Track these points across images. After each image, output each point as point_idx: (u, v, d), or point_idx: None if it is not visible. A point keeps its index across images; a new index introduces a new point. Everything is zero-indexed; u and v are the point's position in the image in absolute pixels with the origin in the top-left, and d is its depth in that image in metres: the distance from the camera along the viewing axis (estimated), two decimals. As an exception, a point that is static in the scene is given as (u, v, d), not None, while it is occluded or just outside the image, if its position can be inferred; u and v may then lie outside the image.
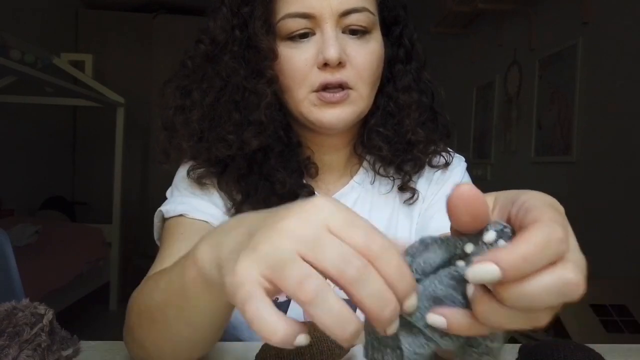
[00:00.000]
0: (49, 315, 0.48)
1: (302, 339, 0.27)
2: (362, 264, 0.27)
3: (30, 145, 3.68)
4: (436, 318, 0.29)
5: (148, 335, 0.48)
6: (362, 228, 0.29)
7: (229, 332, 0.72)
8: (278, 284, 0.27)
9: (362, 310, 0.27)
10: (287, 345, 0.27)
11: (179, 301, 0.42)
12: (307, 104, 0.64)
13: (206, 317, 0.43)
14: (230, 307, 0.42)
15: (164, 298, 0.45)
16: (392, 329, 0.28)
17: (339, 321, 0.26)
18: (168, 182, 0.73)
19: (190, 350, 0.48)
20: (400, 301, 0.28)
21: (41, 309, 0.48)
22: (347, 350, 0.54)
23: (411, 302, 0.28)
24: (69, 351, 0.52)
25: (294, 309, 0.68)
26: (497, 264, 0.25)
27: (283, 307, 0.68)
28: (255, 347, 0.53)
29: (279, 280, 0.27)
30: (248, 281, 0.28)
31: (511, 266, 0.25)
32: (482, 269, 0.26)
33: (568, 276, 0.26)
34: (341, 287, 0.27)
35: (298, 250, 0.28)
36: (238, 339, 0.71)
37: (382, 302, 0.27)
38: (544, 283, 0.26)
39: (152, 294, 0.47)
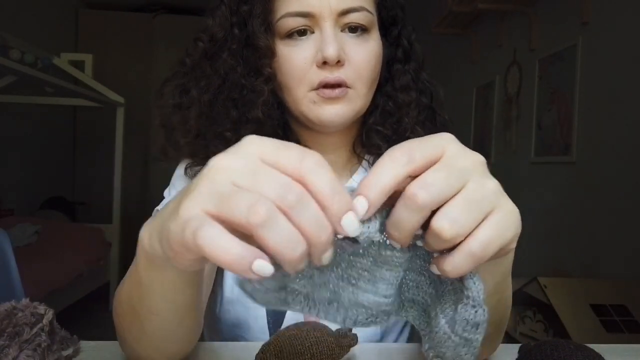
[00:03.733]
0: (49, 315, 0.48)
1: (260, 265, 0.27)
2: (300, 190, 0.28)
3: (30, 145, 3.68)
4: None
5: (129, 336, 0.48)
6: (293, 148, 0.30)
7: (229, 332, 0.72)
8: (227, 215, 0.27)
9: (303, 236, 0.27)
10: (244, 269, 0.26)
11: (139, 292, 0.42)
12: (306, 102, 0.64)
13: (166, 301, 0.41)
14: (189, 285, 0.41)
15: (128, 294, 0.45)
16: (327, 256, 0.29)
17: (290, 241, 0.27)
18: (168, 182, 0.73)
19: (169, 342, 0.47)
20: (337, 220, 0.28)
21: (41, 309, 0.48)
22: (347, 350, 0.54)
23: (347, 221, 0.28)
24: (69, 351, 0.52)
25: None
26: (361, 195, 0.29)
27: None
28: (255, 347, 0.52)
29: (227, 212, 0.27)
30: (194, 216, 0.28)
31: (366, 190, 0.29)
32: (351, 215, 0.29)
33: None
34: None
35: (235, 183, 0.28)
36: (238, 339, 0.71)
37: (319, 226, 0.27)
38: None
39: (121, 294, 0.47)
